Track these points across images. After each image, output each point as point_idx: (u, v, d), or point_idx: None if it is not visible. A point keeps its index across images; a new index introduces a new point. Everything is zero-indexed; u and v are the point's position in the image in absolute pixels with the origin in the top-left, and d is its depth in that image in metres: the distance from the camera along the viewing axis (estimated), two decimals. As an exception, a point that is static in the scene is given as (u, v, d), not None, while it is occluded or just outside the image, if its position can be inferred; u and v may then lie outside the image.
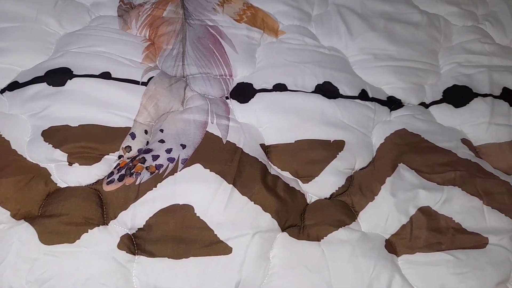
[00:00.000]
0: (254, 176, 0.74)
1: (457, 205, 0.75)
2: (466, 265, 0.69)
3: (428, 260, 0.70)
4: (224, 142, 0.78)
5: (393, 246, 0.73)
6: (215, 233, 0.68)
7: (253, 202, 0.71)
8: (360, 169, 0.82)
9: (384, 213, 0.74)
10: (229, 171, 0.73)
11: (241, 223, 0.69)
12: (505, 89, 0.93)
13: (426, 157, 0.81)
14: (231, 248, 0.67)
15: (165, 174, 0.72)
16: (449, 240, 0.72)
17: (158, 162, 0.73)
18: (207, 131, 0.78)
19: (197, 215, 0.69)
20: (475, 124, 0.88)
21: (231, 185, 0.72)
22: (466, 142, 0.86)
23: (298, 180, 0.79)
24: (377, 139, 0.85)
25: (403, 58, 0.97)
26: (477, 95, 0.91)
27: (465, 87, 0.93)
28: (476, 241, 0.72)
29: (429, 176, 0.79)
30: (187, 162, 0.73)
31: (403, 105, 0.92)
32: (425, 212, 0.74)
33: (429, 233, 0.72)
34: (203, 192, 0.70)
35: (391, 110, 0.91)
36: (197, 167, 0.73)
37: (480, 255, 0.70)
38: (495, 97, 0.91)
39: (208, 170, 0.73)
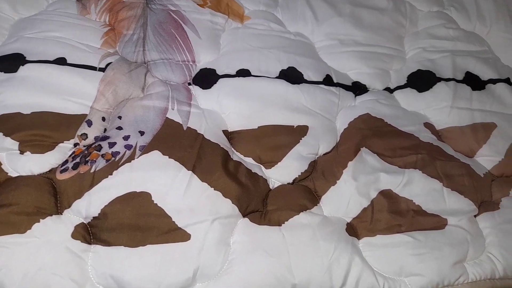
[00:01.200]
0: (214, 162, 0.73)
1: (418, 187, 0.76)
2: (424, 246, 0.70)
3: (388, 242, 0.70)
4: (185, 128, 0.76)
5: (354, 229, 0.73)
6: (173, 220, 0.66)
7: (213, 188, 0.70)
8: (324, 154, 0.81)
9: (345, 197, 0.75)
10: (189, 157, 0.72)
11: (200, 210, 0.68)
12: (467, 74, 0.94)
13: (388, 141, 0.81)
14: (190, 234, 0.66)
15: (122, 161, 0.70)
16: (409, 222, 0.72)
17: (114, 149, 0.71)
18: (167, 117, 0.77)
19: (155, 202, 0.67)
20: (438, 108, 0.89)
21: (190, 172, 0.70)
22: (428, 126, 0.87)
23: (261, 165, 0.78)
24: (341, 124, 0.85)
25: (368, 43, 0.97)
26: (440, 79, 0.92)
27: (428, 72, 0.94)
28: (436, 223, 0.73)
29: (391, 160, 0.79)
30: (145, 149, 0.72)
31: (368, 90, 0.92)
32: (386, 195, 0.75)
33: (389, 215, 0.73)
34: (161, 179, 0.69)
35: (356, 95, 0.91)
36: (155, 154, 0.71)
37: (439, 236, 0.71)
38: (457, 81, 0.92)
39: (167, 156, 0.71)
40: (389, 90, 0.93)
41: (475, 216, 0.76)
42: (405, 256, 0.69)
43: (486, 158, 0.84)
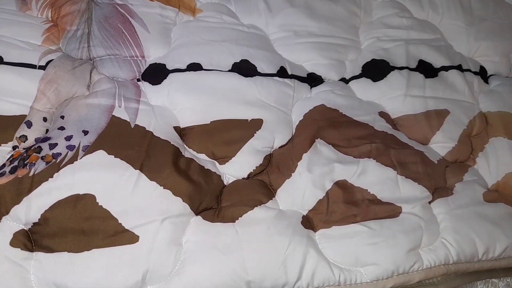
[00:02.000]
0: (164, 160, 0.70)
1: (372, 176, 0.76)
2: (379, 235, 0.69)
3: (343, 233, 0.70)
4: (132, 126, 0.73)
5: (310, 221, 0.72)
6: (119, 222, 0.64)
7: (162, 187, 0.67)
8: (279, 147, 0.80)
9: (300, 189, 0.73)
10: (137, 156, 0.69)
11: (148, 210, 0.65)
12: (421, 62, 0.94)
13: (343, 132, 0.81)
14: (138, 236, 0.63)
15: (63, 163, 0.66)
16: (364, 211, 0.72)
17: (55, 150, 0.67)
18: (113, 115, 0.73)
19: (100, 204, 0.64)
20: (392, 97, 0.89)
21: (138, 171, 0.67)
22: (383, 115, 0.87)
23: (215, 161, 0.76)
24: (297, 116, 0.84)
25: (323, 34, 0.96)
26: (394, 68, 0.92)
27: (382, 61, 0.94)
28: (390, 211, 0.73)
29: (345, 150, 0.79)
30: (89, 149, 0.68)
31: (324, 81, 0.91)
32: (341, 185, 0.74)
33: (345, 206, 0.72)
34: (106, 180, 0.66)
35: (311, 87, 0.90)
36: (100, 154, 0.68)
37: (393, 224, 0.71)
38: (411, 69, 0.93)
39: (113, 156, 0.68)
40: (345, 80, 0.93)
41: (429, 202, 0.76)
42: (360, 246, 0.69)
43: (440, 145, 0.85)
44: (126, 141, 0.71)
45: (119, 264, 0.61)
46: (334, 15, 1.00)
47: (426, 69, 0.93)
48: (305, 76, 0.91)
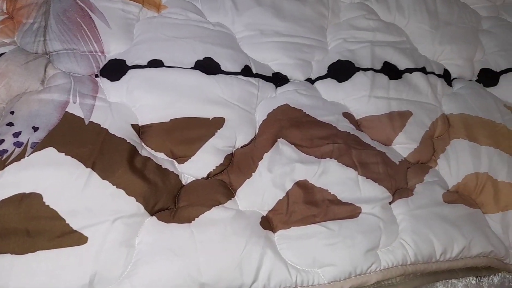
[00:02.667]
0: (118, 159, 0.68)
1: (333, 177, 0.75)
2: (337, 236, 0.69)
3: (301, 234, 0.69)
4: (87, 123, 0.70)
5: (270, 222, 0.71)
6: (67, 222, 0.61)
7: (115, 186, 0.65)
8: (242, 146, 0.79)
9: (260, 190, 0.72)
10: (89, 154, 0.66)
11: (99, 210, 0.63)
12: (385, 63, 0.95)
13: (306, 131, 0.80)
14: (87, 237, 0.61)
15: (9, 160, 0.63)
16: (324, 212, 0.71)
17: (2, 147, 0.64)
18: (66, 111, 0.71)
19: (46, 203, 0.61)
20: (356, 98, 0.89)
21: (89, 169, 0.65)
22: (347, 115, 0.87)
23: (174, 160, 0.74)
24: (261, 116, 0.83)
25: (290, 34, 0.95)
26: (359, 69, 0.92)
27: (348, 62, 0.94)
28: (350, 211, 0.72)
29: (307, 150, 0.78)
30: (38, 146, 0.65)
31: (289, 81, 0.91)
32: (302, 185, 0.73)
33: (305, 206, 0.71)
34: (55, 178, 0.63)
35: (276, 87, 0.89)
36: (50, 151, 0.65)
37: (352, 225, 0.70)
38: (376, 71, 0.93)
39: (63, 154, 0.65)
40: (311, 80, 0.92)
41: (390, 203, 0.76)
42: (318, 247, 0.68)
43: (402, 146, 0.85)
44: (78, 139, 0.68)
45: (65, 266, 0.59)
46: (301, 16, 0.99)
47: (391, 71, 0.94)
48: (271, 75, 0.90)
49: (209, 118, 0.78)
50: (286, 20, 0.97)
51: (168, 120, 0.76)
